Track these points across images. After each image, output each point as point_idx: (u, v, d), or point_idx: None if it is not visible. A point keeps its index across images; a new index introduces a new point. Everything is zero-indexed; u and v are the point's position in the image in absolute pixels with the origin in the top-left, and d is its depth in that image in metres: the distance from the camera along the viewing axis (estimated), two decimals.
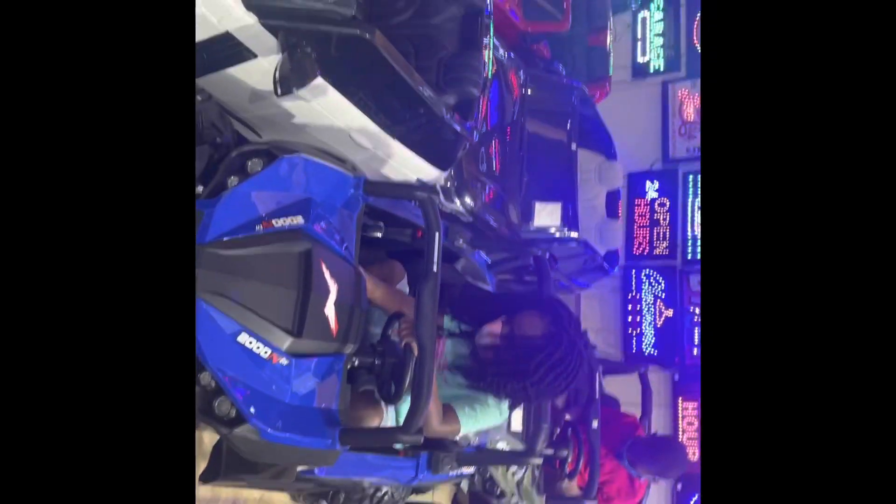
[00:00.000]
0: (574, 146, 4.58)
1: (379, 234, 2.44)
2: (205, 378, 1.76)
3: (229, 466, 1.94)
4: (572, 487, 3.74)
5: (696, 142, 6.30)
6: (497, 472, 3.49)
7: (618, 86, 6.14)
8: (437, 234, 2.19)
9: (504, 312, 2.35)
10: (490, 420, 2.43)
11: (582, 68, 5.28)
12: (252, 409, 1.76)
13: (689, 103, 6.49)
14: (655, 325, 6.02)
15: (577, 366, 2.23)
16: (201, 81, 2.29)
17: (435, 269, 2.15)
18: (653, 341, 6.01)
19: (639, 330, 6.08)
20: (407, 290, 2.69)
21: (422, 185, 2.51)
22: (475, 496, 3.66)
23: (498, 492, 3.53)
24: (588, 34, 5.38)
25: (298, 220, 2.02)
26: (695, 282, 5.98)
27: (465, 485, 3.65)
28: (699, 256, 5.97)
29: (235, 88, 2.37)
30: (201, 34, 2.10)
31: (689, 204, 6.18)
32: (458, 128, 2.84)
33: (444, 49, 2.97)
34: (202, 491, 2.68)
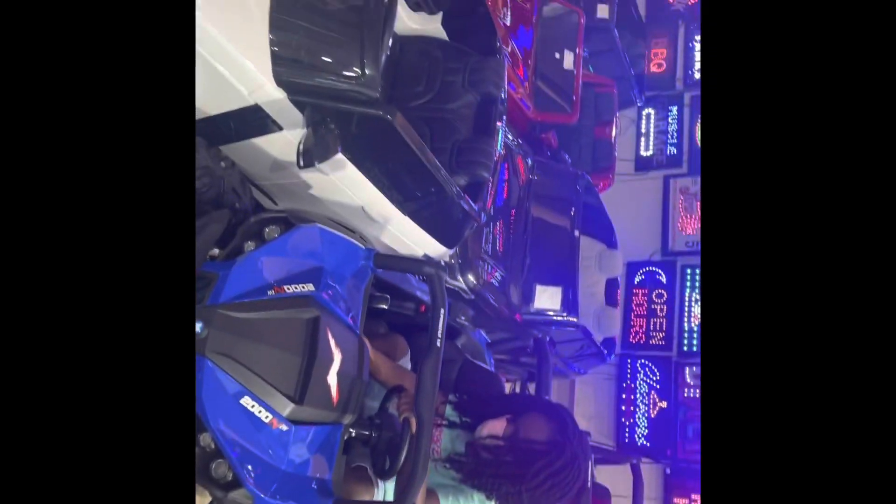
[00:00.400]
0: (577, 233, 4.68)
1: (384, 306, 2.49)
2: (205, 439, 1.77)
3: None
4: None
5: (696, 235, 6.43)
6: None
7: (621, 177, 6.33)
8: (442, 310, 2.23)
9: (509, 411, 2.36)
10: None
11: (587, 158, 5.46)
12: (250, 474, 1.76)
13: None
14: (649, 415, 5.99)
15: (576, 478, 2.23)
16: (226, 149, 2.39)
17: (438, 343, 2.19)
18: (646, 432, 5.96)
19: (632, 420, 6.03)
20: (409, 365, 2.71)
21: (430, 261, 2.57)
22: None
23: None
24: (594, 126, 5.60)
25: (309, 287, 2.07)
26: (690, 374, 5.98)
27: None
28: (696, 349, 6.00)
29: (258, 157, 2.47)
30: (232, 104, 2.21)
31: (687, 297, 6.25)
32: (467, 207, 2.93)
33: (459, 133, 3.09)
34: None
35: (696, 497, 5.61)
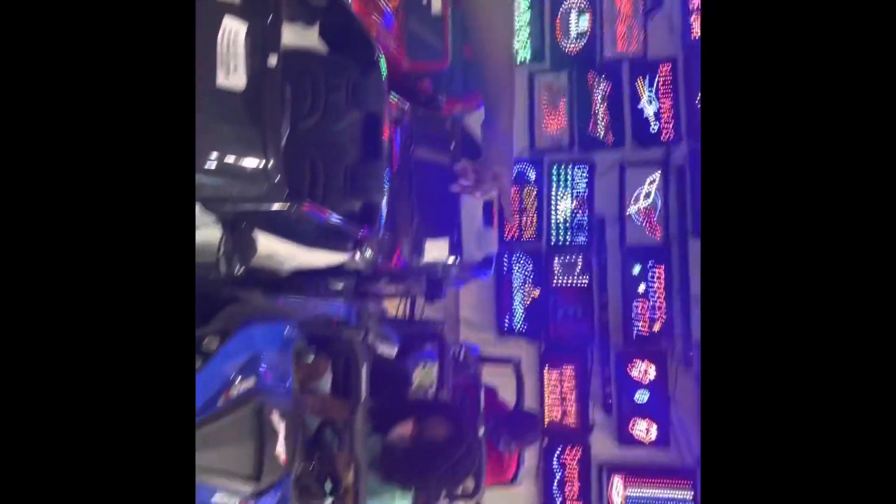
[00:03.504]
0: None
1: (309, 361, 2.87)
2: None
3: None
4: None
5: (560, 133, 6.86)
6: None
7: None
8: (363, 368, 2.66)
9: (415, 413, 2.90)
10: None
11: (458, 83, 5.63)
12: None
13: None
14: (524, 304, 6.82)
15: (472, 463, 2.85)
16: None
17: (362, 398, 2.64)
18: (523, 318, 6.82)
19: (510, 309, 6.85)
20: (329, 382, 3.14)
21: (348, 323, 3.00)
22: None
23: None
24: (463, 46, 5.69)
25: (251, 382, 2.41)
26: (558, 263, 6.75)
27: None
28: (562, 242, 6.77)
29: None
30: None
31: (554, 193, 6.85)
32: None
33: (348, 155, 3.29)
34: None
35: (566, 367, 6.65)
